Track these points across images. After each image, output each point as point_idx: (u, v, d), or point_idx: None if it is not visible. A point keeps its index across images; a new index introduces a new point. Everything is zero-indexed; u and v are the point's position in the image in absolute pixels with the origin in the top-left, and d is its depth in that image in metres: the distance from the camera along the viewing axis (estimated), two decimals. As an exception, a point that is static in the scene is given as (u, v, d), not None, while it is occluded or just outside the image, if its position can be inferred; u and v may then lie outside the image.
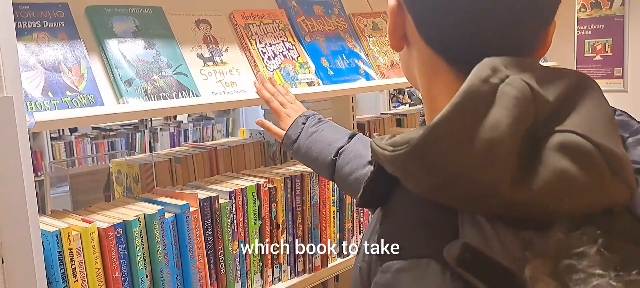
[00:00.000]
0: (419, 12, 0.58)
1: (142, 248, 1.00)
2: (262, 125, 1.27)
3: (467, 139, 0.47)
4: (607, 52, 3.30)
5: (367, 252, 0.56)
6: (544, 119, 0.48)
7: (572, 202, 0.46)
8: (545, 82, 0.50)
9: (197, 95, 1.15)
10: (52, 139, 4.01)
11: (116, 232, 0.96)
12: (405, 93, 6.04)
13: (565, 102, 0.49)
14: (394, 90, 5.40)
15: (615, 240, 0.46)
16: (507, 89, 0.48)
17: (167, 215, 1.05)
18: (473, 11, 0.53)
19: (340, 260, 1.45)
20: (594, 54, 3.38)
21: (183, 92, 1.13)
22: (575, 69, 2.31)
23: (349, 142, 1.12)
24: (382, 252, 0.54)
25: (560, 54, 2.30)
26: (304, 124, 1.18)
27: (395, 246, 0.53)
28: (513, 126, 0.46)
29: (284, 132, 1.20)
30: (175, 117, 4.71)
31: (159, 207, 1.05)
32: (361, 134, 1.16)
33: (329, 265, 1.42)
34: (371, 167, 0.61)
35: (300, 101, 1.29)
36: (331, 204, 1.41)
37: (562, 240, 0.45)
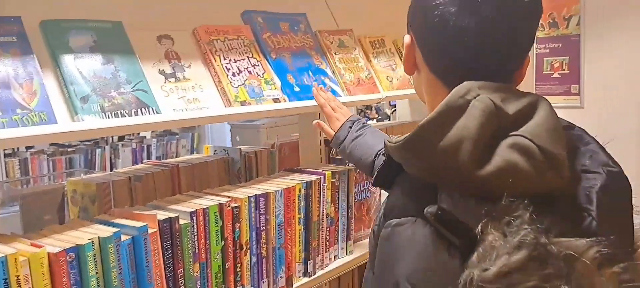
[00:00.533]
0: (426, 49, 0.81)
1: (96, 273, 0.95)
2: (319, 126, 1.49)
3: (443, 135, 0.68)
4: (564, 70, 3.40)
5: (378, 221, 0.77)
6: (506, 127, 0.70)
7: (516, 183, 0.66)
8: (509, 101, 0.71)
9: (157, 112, 1.11)
10: (5, 155, 3.85)
11: (68, 257, 0.91)
12: (373, 108, 6.08)
13: (522, 115, 0.70)
14: (362, 105, 5.43)
15: (548, 213, 0.66)
16: (477, 103, 0.69)
17: (123, 237, 1.01)
18: (464, 51, 0.75)
19: (305, 279, 1.42)
20: (552, 72, 3.47)
21: (142, 109, 1.09)
22: (534, 85, 2.35)
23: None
24: (386, 215, 0.75)
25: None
26: (350, 127, 1.40)
27: (394, 210, 0.75)
28: (478, 129, 0.68)
29: (334, 133, 1.42)
30: (138, 132, 4.61)
31: (115, 229, 1.00)
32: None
33: (294, 286, 1.39)
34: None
35: (266, 118, 1.27)
36: (297, 223, 1.38)
37: (505, 207, 0.65)
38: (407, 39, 0.84)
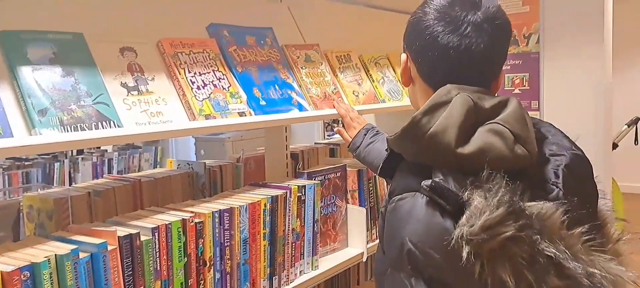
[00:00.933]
0: (420, 64, 0.99)
1: (53, 292, 0.92)
2: (340, 132, 1.66)
3: (431, 123, 0.87)
4: (524, 86, 3.50)
5: (385, 202, 0.94)
6: (483, 119, 0.88)
7: (493, 159, 0.84)
8: (484, 99, 0.90)
9: (119, 126, 1.09)
10: (-41, 169, 3.70)
11: (22, 276, 0.88)
12: (340, 122, 6.10)
13: (496, 109, 0.89)
14: (330, 119, 5.44)
15: (521, 184, 0.83)
16: (458, 99, 0.88)
17: (81, 255, 0.97)
18: (449, 65, 0.94)
19: (270, 296, 1.40)
20: (513, 88, 3.57)
21: (103, 122, 1.07)
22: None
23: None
24: (390, 195, 0.92)
25: (484, 88, 2.40)
26: (365, 134, 1.57)
27: (397, 189, 0.91)
28: (460, 117, 0.86)
29: (351, 139, 1.59)
30: (98, 146, 4.49)
31: (73, 246, 0.97)
32: None
33: (259, 302, 1.37)
34: None
35: (232, 131, 1.26)
36: (262, 238, 1.36)
37: (486, 177, 0.83)
38: (403, 56, 1.03)
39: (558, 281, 0.80)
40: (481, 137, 0.86)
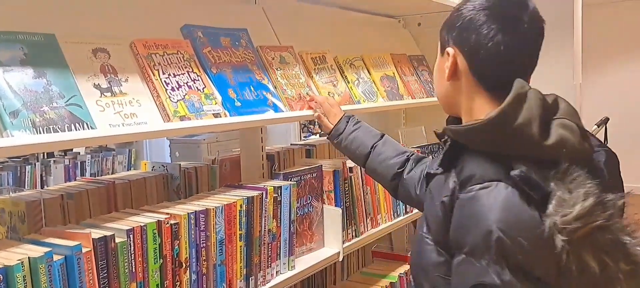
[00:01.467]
0: (474, 61, 1.04)
1: (26, 295, 0.91)
2: (319, 119, 1.65)
3: (517, 116, 0.93)
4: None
5: (448, 192, 0.98)
6: (548, 112, 0.97)
7: (567, 152, 0.92)
8: (544, 94, 1.00)
9: (92, 128, 1.08)
10: None
11: (-5, 280, 0.87)
12: (316, 123, 6.12)
13: (554, 105, 1.01)
14: (305, 120, 5.45)
15: (590, 170, 0.93)
16: (531, 93, 0.97)
17: (55, 257, 0.97)
18: (507, 65, 1.02)
19: (247, 296, 1.41)
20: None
21: (77, 124, 1.06)
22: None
23: (379, 140, 1.56)
24: (464, 185, 0.95)
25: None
26: (347, 122, 1.61)
27: (473, 179, 0.95)
28: (537, 110, 0.94)
29: (332, 126, 1.62)
30: (71, 148, 4.42)
31: (47, 249, 0.96)
32: (386, 135, 1.59)
33: (236, 303, 1.37)
34: (399, 158, 1.49)
35: (207, 133, 1.27)
36: (238, 239, 1.37)
37: (564, 170, 0.91)
38: (450, 51, 1.06)
39: (625, 266, 0.89)
40: (557, 131, 0.95)
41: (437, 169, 1.07)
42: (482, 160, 0.96)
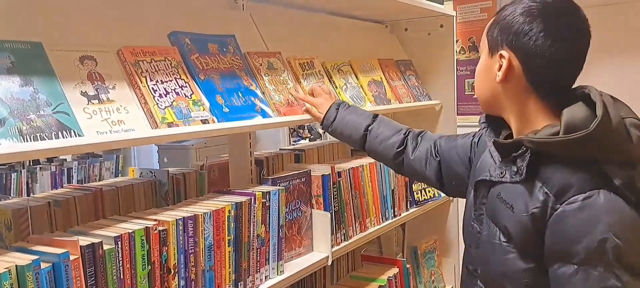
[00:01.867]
0: (530, 67, 1.07)
1: (13, 304, 0.91)
2: (308, 111, 1.68)
3: (612, 120, 0.97)
4: (484, 91, 3.61)
5: (538, 203, 1.01)
6: (619, 113, 0.99)
7: None
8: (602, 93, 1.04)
9: (79, 135, 1.08)
10: None
11: (-18, 288, 0.87)
12: (306, 127, 6.13)
13: (619, 103, 1.04)
14: (294, 125, 5.46)
15: None
16: (606, 97, 1.02)
17: (43, 265, 0.96)
18: (561, 71, 1.07)
19: (236, 302, 1.41)
20: (473, 92, 3.67)
21: (64, 131, 1.06)
22: (456, 105, 2.49)
23: (373, 121, 1.60)
24: (559, 196, 0.99)
25: (443, 92, 2.47)
26: (337, 109, 1.64)
27: (571, 189, 0.98)
28: (617, 113, 0.99)
29: (322, 116, 1.65)
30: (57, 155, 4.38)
31: (34, 257, 0.96)
32: (379, 115, 1.63)
33: (225, 308, 1.37)
34: (397, 137, 1.55)
35: (195, 138, 1.27)
36: (226, 244, 1.37)
37: None
38: (505, 54, 1.09)
39: None
40: (634, 132, 0.99)
41: (506, 177, 1.08)
42: (573, 169, 0.99)
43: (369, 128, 1.60)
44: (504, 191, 1.08)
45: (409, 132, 1.59)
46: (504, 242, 1.07)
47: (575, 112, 1.01)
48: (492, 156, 1.18)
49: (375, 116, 1.63)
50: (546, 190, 1.00)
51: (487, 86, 1.15)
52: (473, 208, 1.20)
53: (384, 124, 1.61)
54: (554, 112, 1.08)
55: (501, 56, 1.10)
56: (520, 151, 1.06)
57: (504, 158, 1.11)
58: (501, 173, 1.09)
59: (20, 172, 4.08)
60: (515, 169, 1.06)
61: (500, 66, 1.10)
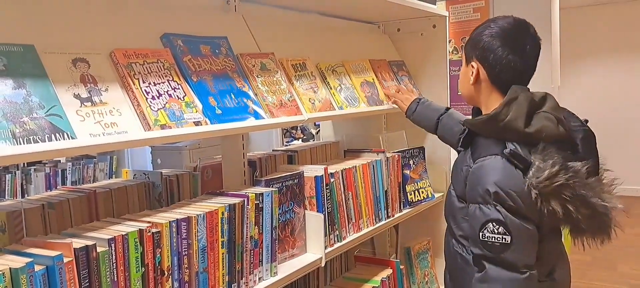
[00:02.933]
0: (491, 72, 1.51)
1: (7, 306, 0.91)
2: (396, 103, 2.20)
3: (507, 114, 1.41)
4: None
5: (466, 164, 1.49)
6: (536, 108, 1.45)
7: (547, 136, 1.40)
8: (534, 95, 1.47)
9: (72, 138, 1.09)
10: None
11: (-25, 291, 0.87)
12: (299, 128, 6.13)
13: (542, 102, 1.47)
14: (287, 126, 5.46)
15: (562, 150, 1.39)
16: (522, 96, 1.44)
17: (37, 268, 0.97)
18: (514, 75, 1.48)
19: (230, 303, 1.42)
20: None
21: (57, 134, 1.06)
22: (448, 104, 2.51)
23: (444, 113, 2.04)
24: (474, 159, 1.45)
25: (435, 92, 2.49)
26: (417, 104, 2.12)
27: (481, 155, 1.44)
28: (525, 108, 1.42)
29: (406, 107, 2.14)
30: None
31: (28, 260, 0.96)
32: (452, 109, 2.07)
33: (218, 309, 1.38)
34: (459, 127, 1.84)
35: (189, 140, 1.28)
36: (220, 246, 1.38)
37: (542, 148, 1.38)
38: (474, 65, 1.53)
39: (585, 210, 1.35)
40: (539, 122, 1.41)
41: (459, 149, 1.62)
42: (487, 142, 1.46)
43: (440, 118, 2.03)
44: (457, 158, 1.63)
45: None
46: (451, 190, 1.59)
47: (496, 108, 1.44)
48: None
49: (448, 109, 2.06)
50: (470, 155, 1.49)
51: (466, 86, 1.59)
52: None
53: (453, 116, 2.02)
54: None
55: (472, 66, 1.53)
56: (463, 129, 1.59)
57: None
58: (459, 146, 1.63)
59: (15, 173, 4.07)
60: (461, 142, 1.60)
61: (472, 72, 1.53)
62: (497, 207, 1.36)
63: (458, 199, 1.54)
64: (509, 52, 1.46)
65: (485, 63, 1.50)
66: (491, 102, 1.52)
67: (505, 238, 1.36)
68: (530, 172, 1.35)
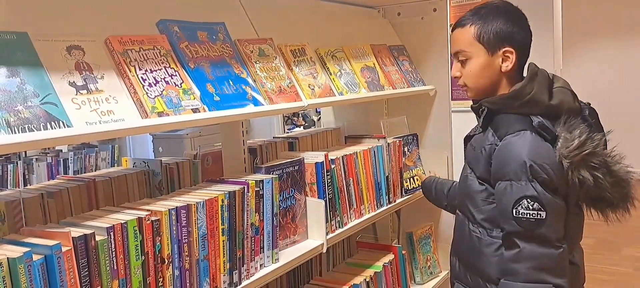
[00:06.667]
0: (521, 55, 1.56)
1: (5, 296, 0.91)
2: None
3: (532, 85, 1.49)
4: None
5: (489, 142, 1.51)
6: (551, 83, 1.54)
7: (567, 109, 1.48)
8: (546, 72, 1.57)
9: (68, 126, 1.07)
10: None
11: (-28, 282, 0.86)
12: (300, 115, 6.11)
13: (553, 77, 1.56)
14: (287, 113, 5.44)
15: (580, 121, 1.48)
16: (540, 72, 1.54)
17: (35, 257, 0.96)
18: (527, 52, 1.58)
19: (231, 290, 1.41)
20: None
21: (52, 122, 1.05)
22: (450, 90, 2.48)
23: (451, 186, 2.04)
24: (501, 137, 1.48)
25: (437, 77, 2.46)
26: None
27: (508, 132, 1.46)
28: (544, 83, 1.52)
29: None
30: (54, 146, 4.37)
31: (26, 249, 0.95)
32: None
33: (219, 297, 1.37)
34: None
35: (189, 127, 1.27)
36: (220, 233, 1.37)
37: (566, 119, 1.46)
38: (510, 52, 1.53)
39: (610, 179, 1.42)
40: (559, 95, 1.48)
41: (477, 131, 1.63)
42: (511, 119, 1.48)
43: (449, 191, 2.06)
44: (473, 140, 1.63)
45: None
46: (469, 173, 1.59)
47: (521, 83, 1.51)
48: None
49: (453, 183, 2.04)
50: (494, 133, 1.50)
51: (489, 77, 1.56)
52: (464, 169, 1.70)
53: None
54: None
55: (507, 52, 1.53)
56: (481, 110, 1.57)
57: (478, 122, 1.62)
58: (474, 130, 1.66)
59: (17, 163, 4.07)
60: (479, 124, 1.59)
61: (506, 59, 1.53)
62: (532, 183, 1.38)
63: (478, 181, 1.54)
64: (526, 32, 1.55)
65: (517, 46, 1.53)
66: (513, 85, 1.54)
67: (540, 214, 1.37)
68: (559, 144, 1.40)
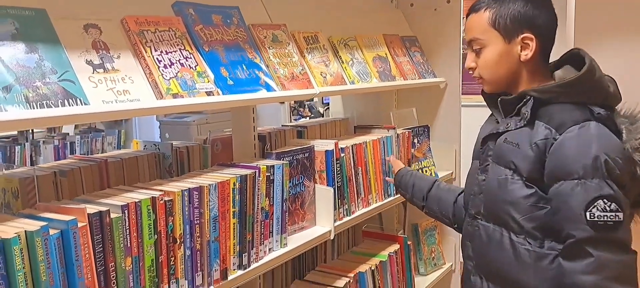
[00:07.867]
0: (543, 41, 1.37)
1: (24, 268, 0.92)
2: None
3: (595, 73, 1.30)
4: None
5: (542, 136, 1.29)
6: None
7: (618, 99, 1.36)
8: None
9: (85, 104, 1.08)
10: None
11: (-9, 252, 0.87)
12: (306, 106, 6.11)
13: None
14: (294, 102, 5.44)
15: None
16: (590, 57, 1.34)
17: (51, 231, 0.97)
18: (554, 36, 1.40)
19: (240, 271, 1.42)
20: (473, 71, 3.66)
21: (70, 99, 1.06)
22: (461, 84, 2.47)
23: (432, 187, 1.79)
24: (559, 129, 1.27)
25: (448, 70, 2.46)
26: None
27: (567, 123, 1.27)
28: (600, 70, 1.32)
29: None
30: (60, 128, 4.38)
31: (43, 223, 0.96)
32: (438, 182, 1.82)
33: (229, 278, 1.39)
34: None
35: (199, 112, 1.27)
36: (231, 216, 1.38)
37: (622, 110, 1.35)
38: (529, 39, 1.34)
39: None
40: (611, 84, 1.34)
41: (510, 126, 1.36)
42: (567, 109, 1.29)
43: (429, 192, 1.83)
44: (509, 136, 1.35)
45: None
46: (510, 176, 1.33)
47: (564, 72, 1.38)
48: (489, 123, 1.51)
49: (435, 181, 1.82)
50: (548, 126, 1.28)
51: (507, 67, 1.38)
52: (478, 167, 1.46)
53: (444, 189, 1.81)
54: (546, 76, 1.40)
55: (526, 38, 1.34)
56: (524, 101, 1.34)
57: (507, 116, 1.40)
58: (507, 125, 1.37)
59: (24, 144, 4.09)
60: (520, 117, 1.34)
61: (525, 46, 1.35)
62: (606, 180, 1.20)
63: (525, 184, 1.30)
64: (550, 14, 1.36)
65: (538, 31, 1.34)
66: (536, 79, 1.37)
67: (618, 216, 1.19)
68: (624, 136, 1.26)
